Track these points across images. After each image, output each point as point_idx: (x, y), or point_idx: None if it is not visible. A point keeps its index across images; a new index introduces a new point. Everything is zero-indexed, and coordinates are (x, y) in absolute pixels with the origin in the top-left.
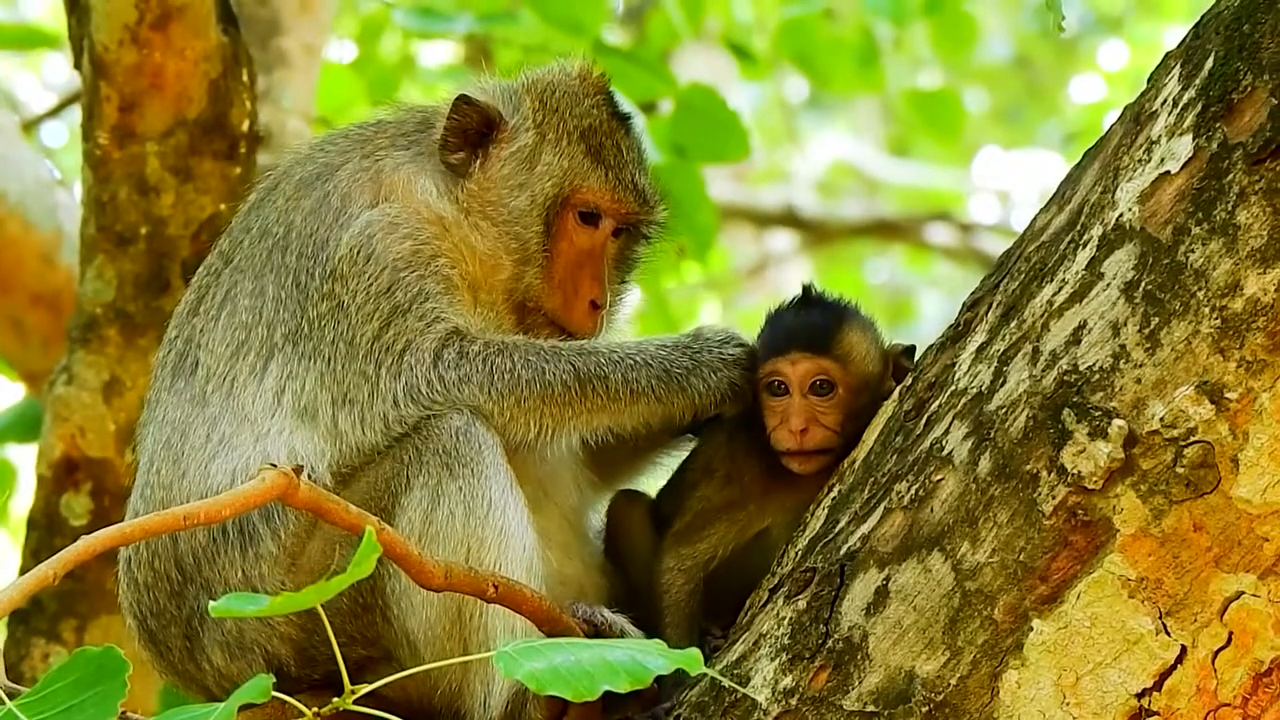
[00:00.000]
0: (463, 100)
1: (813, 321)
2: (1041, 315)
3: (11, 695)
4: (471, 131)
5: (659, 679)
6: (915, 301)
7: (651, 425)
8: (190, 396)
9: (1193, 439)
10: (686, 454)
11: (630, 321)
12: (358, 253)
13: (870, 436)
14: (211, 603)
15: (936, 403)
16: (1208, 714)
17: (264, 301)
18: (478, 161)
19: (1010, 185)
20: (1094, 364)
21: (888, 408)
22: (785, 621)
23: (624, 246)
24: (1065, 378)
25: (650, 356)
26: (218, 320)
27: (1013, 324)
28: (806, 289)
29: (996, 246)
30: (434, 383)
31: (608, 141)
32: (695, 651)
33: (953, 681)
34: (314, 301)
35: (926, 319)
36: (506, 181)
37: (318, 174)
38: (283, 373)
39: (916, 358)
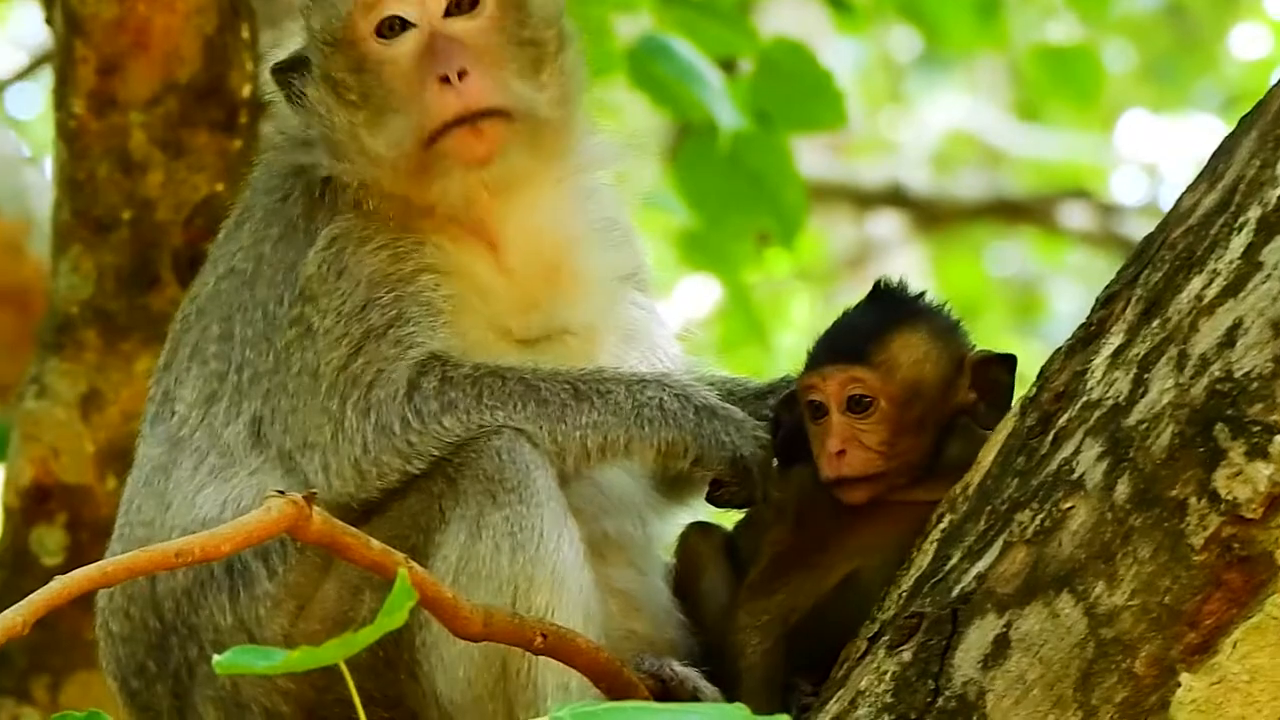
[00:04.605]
0: (273, 73)
1: (855, 326)
2: (1189, 313)
3: None
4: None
5: None
6: (1046, 296)
7: (655, 459)
8: (168, 435)
9: None
10: None
11: (705, 324)
12: (327, 269)
13: (987, 457)
14: (215, 657)
15: (1065, 416)
16: None
17: (232, 345)
18: None
19: (1159, 157)
20: (1252, 370)
21: (1007, 423)
22: (888, 676)
23: (500, 26)
24: (1218, 386)
25: (665, 380)
26: (189, 372)
27: (1155, 323)
28: (876, 284)
29: (1144, 231)
30: (409, 420)
31: None
32: (783, 717)
33: None
34: (282, 330)
35: (1060, 317)
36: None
37: (285, 196)
38: (254, 419)
39: (1045, 362)
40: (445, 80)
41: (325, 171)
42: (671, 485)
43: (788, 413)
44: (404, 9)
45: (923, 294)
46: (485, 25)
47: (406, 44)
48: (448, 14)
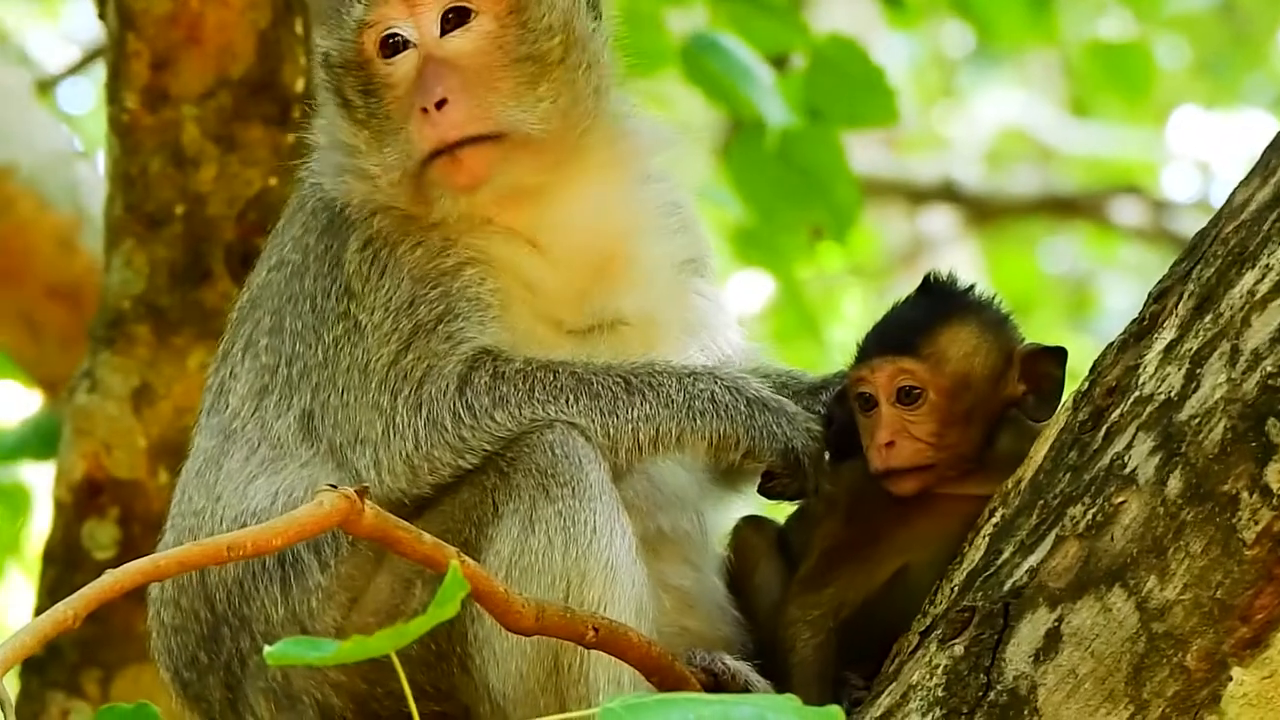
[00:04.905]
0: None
1: (905, 318)
2: (1241, 308)
3: None
4: None
5: None
6: (1098, 292)
7: (707, 451)
8: (221, 427)
9: None
10: None
11: (758, 319)
12: (367, 268)
13: (1039, 452)
14: (266, 648)
15: (1117, 411)
16: None
17: (283, 338)
18: None
19: (1211, 153)
20: None
21: (1060, 417)
22: (939, 670)
23: (497, 44)
24: (1270, 382)
25: (717, 372)
26: (242, 364)
27: (1207, 318)
28: (926, 277)
29: (1196, 227)
30: (461, 415)
31: None
32: (835, 709)
33: None
34: (330, 324)
35: (1111, 313)
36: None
37: (324, 195)
38: (305, 413)
39: (1097, 357)
40: (425, 111)
41: (327, 193)
42: (725, 474)
43: (840, 409)
44: (401, 25)
45: (972, 287)
46: (481, 43)
47: (406, 64)
48: (444, 32)
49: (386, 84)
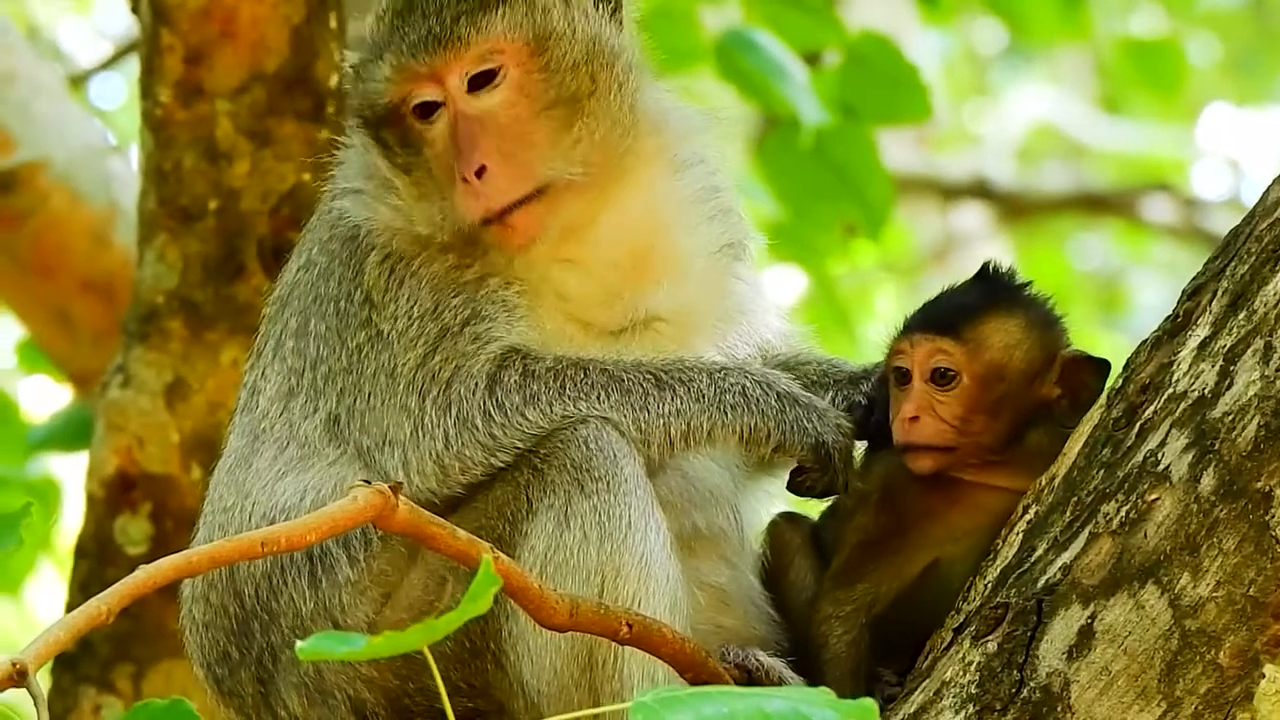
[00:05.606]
0: (354, 70)
1: (955, 301)
2: (1275, 305)
3: None
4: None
5: None
6: (1129, 289)
7: (738, 445)
8: (251, 427)
9: None
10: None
11: (791, 314)
12: (385, 281)
13: (1073, 448)
14: (298, 643)
15: (1151, 409)
16: None
17: (308, 341)
18: None
19: (1242, 150)
20: None
21: (1093, 414)
22: (972, 667)
23: (525, 94)
24: None
25: (747, 367)
26: (272, 366)
27: (1241, 315)
28: (984, 265)
29: (1226, 224)
30: (491, 413)
31: (383, 22)
32: (869, 701)
33: None
34: (353, 330)
35: (1143, 309)
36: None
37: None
38: (331, 416)
39: (1131, 354)
40: (467, 180)
41: (352, 219)
42: (757, 468)
43: (884, 394)
44: (431, 94)
45: (1029, 284)
46: (509, 95)
47: (441, 122)
48: (473, 88)
49: (424, 139)
